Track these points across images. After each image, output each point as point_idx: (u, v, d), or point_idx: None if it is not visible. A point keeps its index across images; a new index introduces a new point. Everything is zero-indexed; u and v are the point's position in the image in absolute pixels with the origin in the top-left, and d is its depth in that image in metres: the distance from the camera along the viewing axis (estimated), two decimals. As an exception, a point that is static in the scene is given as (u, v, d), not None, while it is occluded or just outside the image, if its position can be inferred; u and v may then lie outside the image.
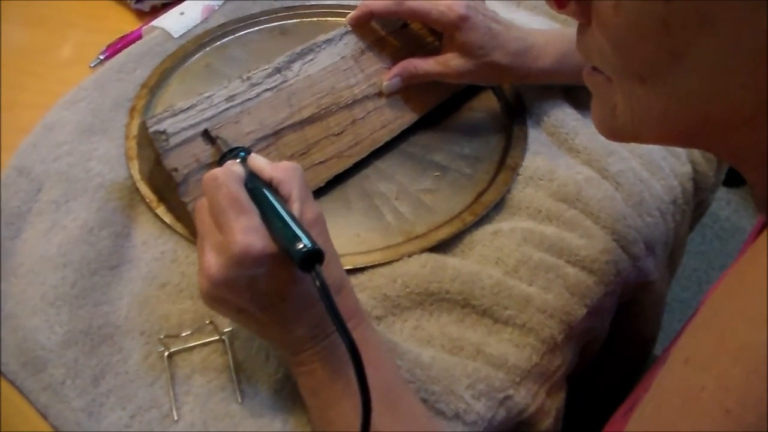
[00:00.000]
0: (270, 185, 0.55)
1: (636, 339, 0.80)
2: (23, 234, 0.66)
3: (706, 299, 0.48)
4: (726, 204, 1.85)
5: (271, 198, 0.53)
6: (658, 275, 0.76)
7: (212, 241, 0.52)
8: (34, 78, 0.83)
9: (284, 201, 0.54)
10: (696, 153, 0.82)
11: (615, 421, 0.57)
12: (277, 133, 0.67)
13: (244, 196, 0.53)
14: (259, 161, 0.57)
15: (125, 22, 0.89)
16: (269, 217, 0.52)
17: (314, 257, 0.49)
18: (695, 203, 0.87)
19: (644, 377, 0.57)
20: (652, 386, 0.41)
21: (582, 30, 0.46)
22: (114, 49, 0.84)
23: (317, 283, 0.49)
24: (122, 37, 0.85)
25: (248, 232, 0.50)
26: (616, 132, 0.47)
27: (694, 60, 0.38)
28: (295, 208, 0.53)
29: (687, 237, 0.87)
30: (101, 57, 0.83)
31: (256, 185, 0.55)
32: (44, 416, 0.58)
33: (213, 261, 0.51)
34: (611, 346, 0.79)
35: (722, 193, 1.86)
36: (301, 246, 0.49)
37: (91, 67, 0.83)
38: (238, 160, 0.58)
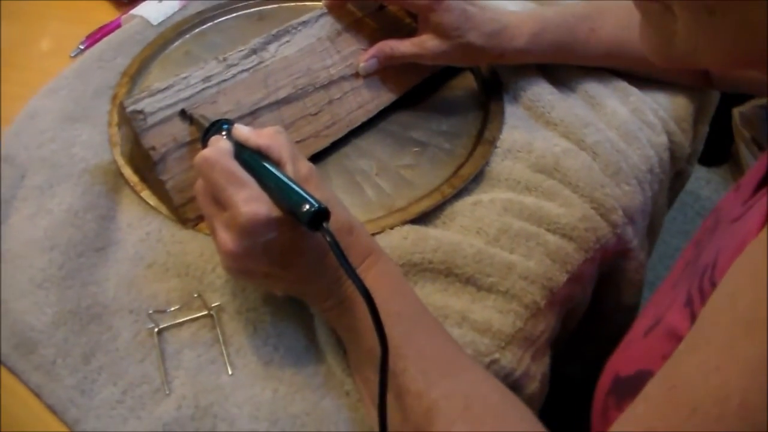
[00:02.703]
0: (259, 153, 0.56)
1: (619, 307, 0.82)
2: (9, 219, 0.67)
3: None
4: (706, 183, 1.87)
5: (266, 165, 0.55)
6: (637, 243, 0.78)
7: (219, 219, 0.55)
8: (15, 70, 0.84)
9: (277, 165, 0.56)
10: (671, 124, 0.83)
11: (631, 342, 0.57)
12: (254, 113, 0.68)
13: (238, 168, 0.55)
14: (243, 131, 0.58)
15: (104, 13, 0.90)
16: (267, 183, 0.54)
17: (321, 216, 0.52)
18: (673, 174, 0.89)
19: (655, 298, 0.59)
20: (728, 286, 0.41)
21: None
22: (94, 39, 0.85)
23: (328, 239, 0.51)
24: (102, 27, 0.86)
25: (251, 202, 0.52)
26: (672, 58, 0.47)
27: None
28: (289, 169, 0.56)
29: (666, 206, 0.89)
30: (81, 47, 0.84)
31: (246, 155, 0.56)
32: (38, 395, 0.59)
33: (226, 237, 0.54)
34: (596, 314, 0.81)
35: (702, 172, 1.88)
36: (307, 207, 0.51)
37: (71, 57, 0.84)
38: (223, 134, 0.59)
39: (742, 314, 0.39)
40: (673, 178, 0.91)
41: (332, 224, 0.54)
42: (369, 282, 0.54)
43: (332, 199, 0.57)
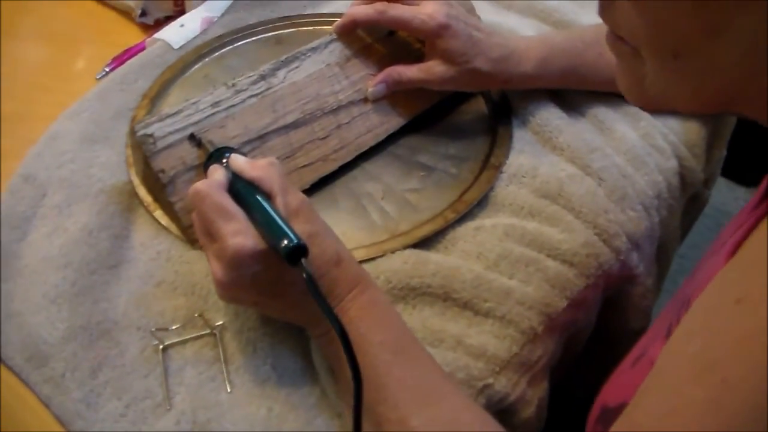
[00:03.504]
0: (252, 184, 0.59)
1: (626, 332, 0.82)
2: (28, 237, 0.70)
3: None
4: (744, 203, 1.84)
5: (255, 197, 0.57)
6: (644, 268, 0.78)
7: (211, 250, 0.58)
8: (45, 91, 0.88)
9: (267, 197, 0.58)
10: (682, 149, 0.83)
11: (622, 372, 0.58)
12: (262, 138, 0.70)
13: (227, 201, 0.57)
14: (238, 162, 0.61)
15: (131, 36, 0.94)
16: (255, 215, 0.56)
17: (299, 251, 0.53)
18: (687, 198, 0.89)
19: (651, 328, 0.59)
20: (689, 326, 0.42)
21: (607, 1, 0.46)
22: (119, 62, 0.88)
23: (304, 276, 0.53)
24: (127, 49, 0.90)
25: (237, 235, 0.55)
26: (645, 101, 0.48)
27: (735, 36, 0.39)
28: (279, 201, 0.58)
29: (679, 230, 0.88)
30: (107, 69, 0.88)
31: (240, 186, 0.59)
32: (47, 407, 0.61)
33: (216, 267, 0.57)
34: (602, 339, 0.81)
35: (740, 192, 1.86)
36: (285, 242, 0.53)
37: (97, 79, 0.87)
38: (224, 161, 0.62)
39: (693, 356, 0.39)
40: (688, 203, 0.91)
41: (319, 257, 0.56)
42: (354, 312, 0.56)
43: (322, 232, 0.59)
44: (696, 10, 0.40)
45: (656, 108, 0.48)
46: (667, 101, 0.46)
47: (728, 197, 1.87)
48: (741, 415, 0.37)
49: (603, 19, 0.48)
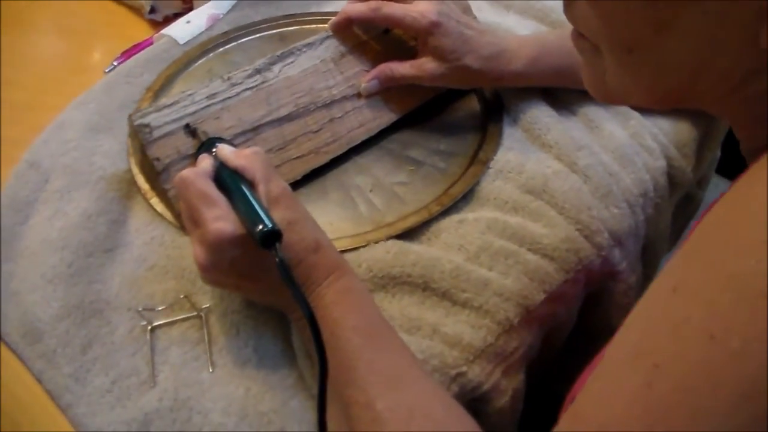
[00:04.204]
0: (237, 173, 0.62)
1: (607, 328, 0.82)
2: (30, 220, 0.73)
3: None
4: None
5: (237, 185, 0.60)
6: (627, 266, 0.79)
7: (194, 235, 0.61)
8: (56, 83, 0.92)
9: (251, 185, 0.60)
10: (672, 149, 0.84)
11: (592, 367, 0.58)
12: (256, 129, 0.73)
13: (210, 189, 0.60)
14: (225, 152, 0.63)
15: (141, 32, 0.97)
16: (236, 202, 0.59)
17: (273, 236, 0.56)
18: (679, 198, 0.90)
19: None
20: (633, 315, 0.43)
21: None
22: (127, 56, 0.91)
23: (276, 260, 0.55)
24: (135, 44, 0.93)
25: (218, 221, 0.58)
26: (607, 95, 0.50)
27: (682, 32, 0.41)
28: (261, 189, 0.60)
29: (668, 229, 0.89)
30: (115, 63, 0.91)
31: (225, 174, 0.62)
32: (39, 381, 0.65)
33: (198, 251, 0.60)
34: (584, 334, 0.82)
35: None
36: (260, 227, 0.56)
37: (105, 72, 0.91)
38: (213, 150, 0.65)
39: (632, 343, 0.41)
40: (681, 203, 0.92)
41: (298, 243, 0.59)
42: (330, 297, 0.59)
43: (301, 219, 0.61)
44: (644, 6, 0.42)
45: (618, 103, 0.50)
46: (626, 96, 0.48)
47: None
48: (670, 399, 0.38)
49: (566, 17, 0.51)
